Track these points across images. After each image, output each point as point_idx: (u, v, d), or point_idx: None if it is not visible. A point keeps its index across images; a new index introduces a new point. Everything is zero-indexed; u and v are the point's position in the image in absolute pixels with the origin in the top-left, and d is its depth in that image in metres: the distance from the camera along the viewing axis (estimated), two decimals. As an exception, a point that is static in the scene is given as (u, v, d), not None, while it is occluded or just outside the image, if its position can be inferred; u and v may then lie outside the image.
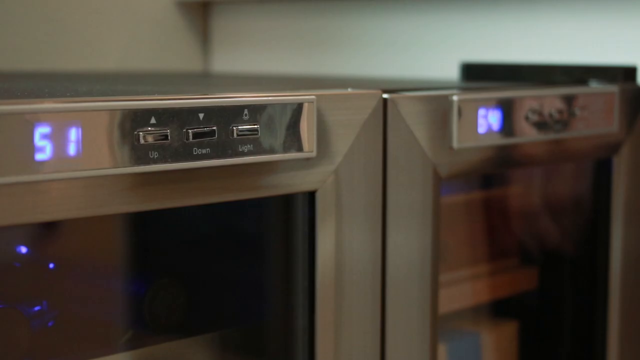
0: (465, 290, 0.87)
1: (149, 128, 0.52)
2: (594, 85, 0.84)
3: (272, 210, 0.56)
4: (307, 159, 0.61)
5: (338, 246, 0.63)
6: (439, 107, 0.69)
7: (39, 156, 0.48)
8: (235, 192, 0.57)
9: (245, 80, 0.96)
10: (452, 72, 1.06)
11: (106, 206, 0.52)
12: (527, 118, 0.75)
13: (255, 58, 1.38)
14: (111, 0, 1.30)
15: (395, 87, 0.69)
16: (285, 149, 0.59)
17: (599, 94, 0.82)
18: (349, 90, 0.64)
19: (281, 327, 0.66)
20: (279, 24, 1.35)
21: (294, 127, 0.59)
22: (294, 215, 0.63)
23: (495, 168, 0.78)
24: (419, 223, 0.68)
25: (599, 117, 0.81)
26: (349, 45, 1.27)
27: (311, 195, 0.62)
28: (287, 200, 0.62)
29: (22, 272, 0.56)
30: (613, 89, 0.83)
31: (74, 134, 0.50)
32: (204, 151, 0.55)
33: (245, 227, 0.65)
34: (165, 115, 0.53)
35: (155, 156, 0.53)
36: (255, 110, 0.57)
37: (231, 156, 0.56)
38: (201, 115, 0.54)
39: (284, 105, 0.59)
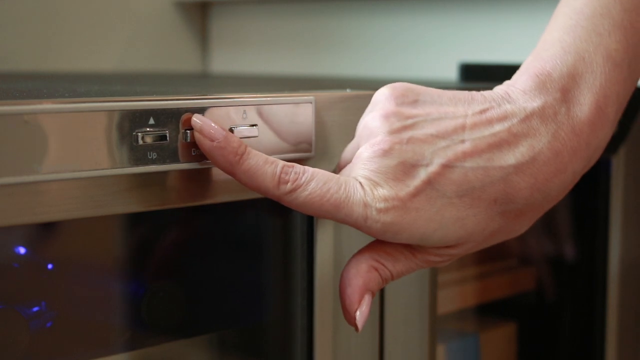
0: (464, 290, 0.87)
1: (148, 129, 0.52)
2: (593, 86, 0.83)
3: (270, 211, 0.57)
4: (306, 160, 0.61)
5: (337, 246, 0.63)
6: (437, 108, 0.69)
7: (38, 157, 0.48)
8: (234, 192, 0.57)
9: (243, 80, 0.96)
10: (450, 73, 1.06)
11: (105, 207, 0.52)
12: (525, 118, 0.75)
13: (254, 58, 1.38)
14: (109, 0, 1.30)
15: (394, 88, 0.68)
16: (284, 150, 0.59)
17: (598, 95, 0.82)
18: (348, 91, 0.64)
19: (280, 327, 0.66)
20: (277, 25, 1.36)
21: (292, 127, 0.59)
22: (292, 215, 0.63)
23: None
24: (417, 223, 0.68)
25: (597, 117, 0.81)
26: (347, 46, 1.27)
27: (310, 196, 0.62)
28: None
29: (21, 273, 0.56)
30: (612, 89, 0.83)
31: (72, 134, 0.49)
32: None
33: (244, 227, 0.65)
34: (164, 116, 0.53)
35: (154, 157, 0.53)
36: (254, 111, 0.57)
37: (230, 157, 0.56)
38: (200, 116, 0.54)
39: (282, 106, 0.59)
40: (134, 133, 0.52)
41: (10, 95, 0.54)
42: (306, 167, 0.54)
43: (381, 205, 0.53)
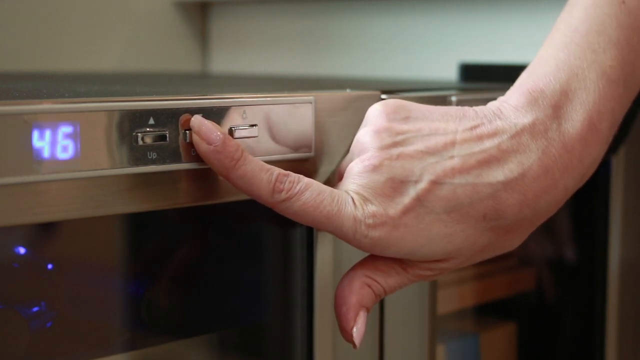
0: (464, 290, 0.87)
1: (148, 129, 0.52)
2: (593, 86, 0.83)
3: (271, 210, 0.56)
4: (306, 160, 0.61)
5: (336, 246, 0.63)
6: (437, 108, 0.69)
7: (37, 157, 0.48)
8: (234, 193, 0.57)
9: (243, 80, 0.95)
10: (450, 73, 1.06)
11: (105, 207, 0.52)
12: (525, 119, 0.75)
13: (254, 58, 1.38)
14: (109, 0, 1.30)
15: (394, 88, 0.69)
16: (284, 150, 0.59)
17: (598, 95, 0.81)
18: (348, 91, 0.64)
19: (280, 327, 0.66)
20: (277, 25, 1.35)
21: (292, 127, 0.59)
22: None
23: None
24: (417, 224, 0.68)
25: (597, 117, 0.81)
26: (347, 46, 1.27)
27: (310, 196, 0.62)
28: (285, 201, 0.62)
29: (21, 273, 0.56)
30: (612, 89, 0.82)
31: (72, 134, 0.50)
32: (202, 152, 0.54)
33: (243, 227, 0.65)
34: (164, 116, 0.53)
35: (154, 157, 0.53)
36: (254, 111, 0.57)
37: (230, 157, 0.56)
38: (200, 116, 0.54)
39: (282, 106, 0.59)
40: (133, 133, 0.52)
41: (10, 95, 0.54)
42: (301, 177, 0.54)
43: (370, 221, 0.54)
